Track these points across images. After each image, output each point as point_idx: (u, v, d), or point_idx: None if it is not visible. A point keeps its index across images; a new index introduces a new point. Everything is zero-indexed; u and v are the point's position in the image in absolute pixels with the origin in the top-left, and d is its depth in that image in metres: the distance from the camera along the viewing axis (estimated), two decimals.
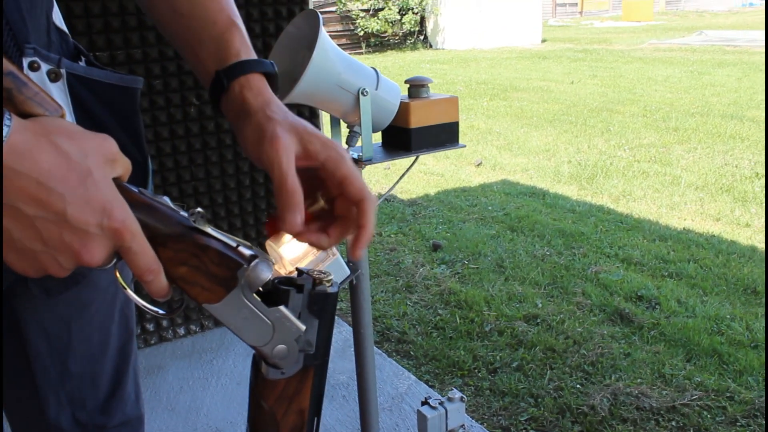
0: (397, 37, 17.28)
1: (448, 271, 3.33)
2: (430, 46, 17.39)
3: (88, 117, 0.72)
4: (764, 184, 4.53)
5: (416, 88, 1.17)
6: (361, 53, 16.77)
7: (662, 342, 2.56)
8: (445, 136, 1.17)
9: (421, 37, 17.54)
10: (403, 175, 1.40)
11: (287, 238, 1.03)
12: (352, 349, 2.50)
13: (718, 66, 10.66)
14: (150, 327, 2.56)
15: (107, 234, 0.52)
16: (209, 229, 0.57)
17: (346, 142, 1.18)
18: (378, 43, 17.14)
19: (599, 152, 5.66)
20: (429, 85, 1.17)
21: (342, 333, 2.61)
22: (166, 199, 0.58)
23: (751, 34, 15.98)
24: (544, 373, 2.38)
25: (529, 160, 5.51)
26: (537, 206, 4.30)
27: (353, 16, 16.84)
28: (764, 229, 3.76)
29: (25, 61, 0.66)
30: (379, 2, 16.88)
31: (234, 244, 0.58)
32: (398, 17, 16.87)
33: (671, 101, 7.81)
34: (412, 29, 17.20)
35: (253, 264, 0.57)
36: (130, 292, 0.59)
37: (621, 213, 4.13)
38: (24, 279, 0.76)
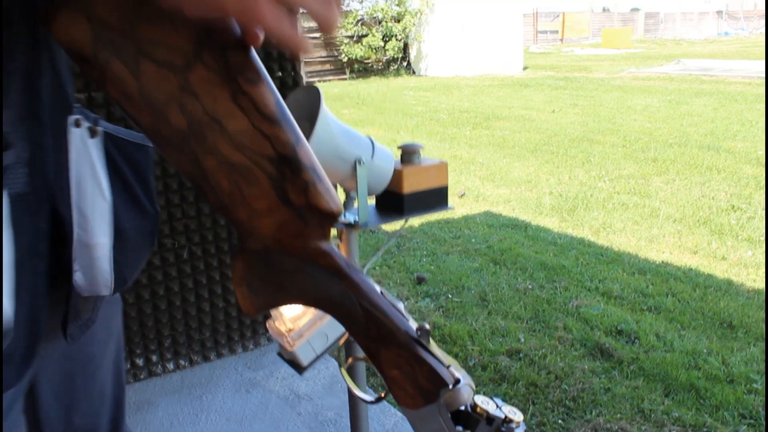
0: (381, 63, 17.47)
1: (432, 304, 3.39)
2: (414, 73, 17.60)
3: (116, 173, 0.77)
4: (739, 217, 4.65)
5: (409, 154, 1.24)
6: (345, 79, 16.93)
7: (641, 377, 2.63)
8: (435, 199, 1.24)
9: (405, 64, 17.75)
10: (396, 234, 1.46)
11: None
12: (339, 384, 2.55)
13: (695, 95, 10.90)
14: (140, 362, 2.59)
15: None
16: (431, 346, 0.62)
17: (343, 206, 1.24)
18: (362, 69, 17.32)
19: (580, 183, 5.77)
20: (420, 150, 1.24)
21: (329, 369, 2.65)
22: (401, 305, 0.62)
23: (726, 63, 16.43)
24: (526, 409, 2.43)
25: (512, 191, 5.61)
26: (519, 238, 4.38)
27: (337, 43, 17.01)
28: (752, 262, 3.87)
29: (71, 119, 0.71)
30: (363, 29, 17.09)
31: (447, 364, 0.62)
32: (382, 44, 17.08)
33: (650, 131, 7.98)
34: (395, 56, 17.41)
35: (456, 387, 0.61)
36: (352, 384, 0.67)
37: (601, 245, 4.22)
38: (54, 329, 0.79)
